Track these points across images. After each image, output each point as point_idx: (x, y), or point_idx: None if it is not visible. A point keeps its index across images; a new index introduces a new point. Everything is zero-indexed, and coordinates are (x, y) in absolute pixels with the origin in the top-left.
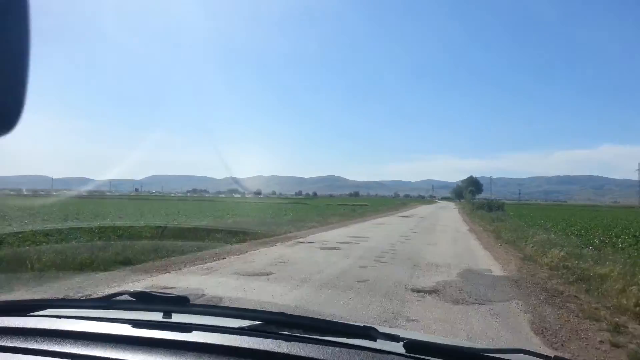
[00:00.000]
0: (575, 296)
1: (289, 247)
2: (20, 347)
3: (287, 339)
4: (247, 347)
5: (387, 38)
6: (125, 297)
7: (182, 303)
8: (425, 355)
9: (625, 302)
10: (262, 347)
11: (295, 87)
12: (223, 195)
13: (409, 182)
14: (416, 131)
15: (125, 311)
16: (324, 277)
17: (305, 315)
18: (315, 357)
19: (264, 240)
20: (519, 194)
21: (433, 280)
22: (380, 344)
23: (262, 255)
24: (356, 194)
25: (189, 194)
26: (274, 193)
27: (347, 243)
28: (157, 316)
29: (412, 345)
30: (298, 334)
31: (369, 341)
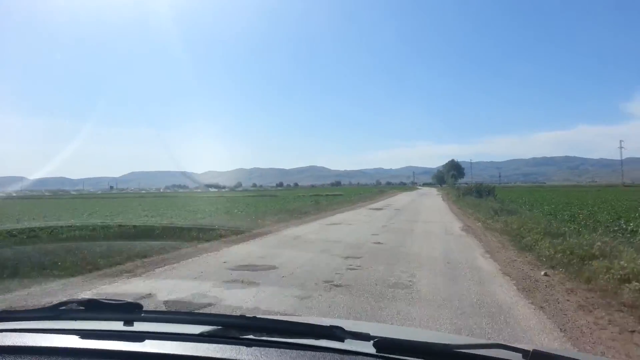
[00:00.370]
0: None
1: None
2: None
3: (249, 343)
4: (205, 355)
5: (361, 21)
6: (74, 305)
7: (134, 310)
8: (398, 355)
9: None
10: (220, 355)
11: (273, 76)
12: (182, 191)
13: (390, 169)
14: (395, 117)
15: (74, 321)
16: None
17: (266, 317)
18: None
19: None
20: (499, 177)
21: None
22: (348, 344)
23: None
24: (338, 184)
25: (166, 190)
26: (254, 185)
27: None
28: (108, 325)
29: (383, 344)
30: (259, 338)
31: (336, 342)
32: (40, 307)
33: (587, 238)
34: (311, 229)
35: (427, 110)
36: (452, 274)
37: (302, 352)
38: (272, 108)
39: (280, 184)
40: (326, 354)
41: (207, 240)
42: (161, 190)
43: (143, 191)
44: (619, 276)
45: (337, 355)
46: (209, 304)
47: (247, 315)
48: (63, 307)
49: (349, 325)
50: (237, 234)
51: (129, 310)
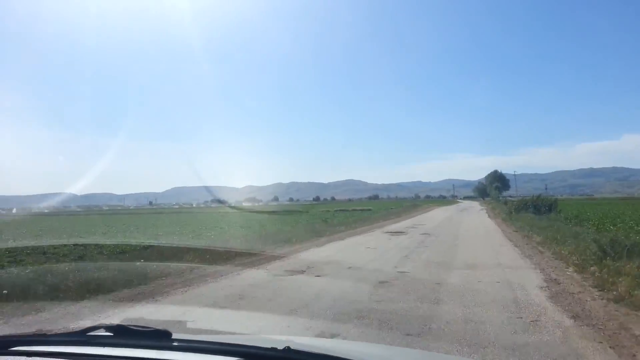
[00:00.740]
0: None
1: None
2: None
3: None
4: None
5: (399, 34)
6: (102, 331)
7: (163, 337)
8: None
9: None
10: None
11: (312, 91)
12: (204, 206)
13: (429, 182)
14: (433, 129)
15: (102, 347)
16: None
17: (300, 349)
18: None
19: None
20: (546, 189)
21: None
22: None
23: None
24: (375, 197)
25: (199, 205)
26: (290, 200)
27: None
28: (137, 352)
29: None
30: None
31: None
32: (69, 331)
33: None
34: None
35: (466, 121)
36: None
37: None
38: (310, 123)
39: (317, 198)
40: None
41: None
42: (193, 205)
43: (176, 206)
44: None
45: None
46: None
47: (279, 346)
48: (91, 333)
49: (389, 356)
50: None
51: (158, 338)
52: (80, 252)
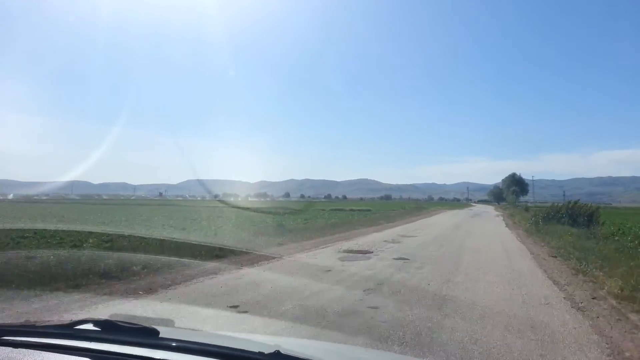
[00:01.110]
0: None
1: None
2: None
3: None
4: None
5: (415, 36)
6: (90, 325)
7: (150, 335)
8: None
9: None
10: None
11: (327, 89)
12: (210, 199)
13: (444, 184)
14: (449, 132)
15: (89, 342)
16: None
17: (290, 354)
18: None
19: None
20: (564, 196)
21: None
22: None
23: None
24: (388, 197)
25: (215, 198)
26: (302, 196)
27: None
28: (124, 349)
29: None
30: None
31: None
32: (57, 323)
33: None
34: None
35: (482, 125)
36: None
37: None
38: (325, 121)
39: (329, 196)
40: None
41: None
42: (198, 198)
43: (179, 198)
44: None
45: None
46: None
47: (268, 352)
48: (79, 327)
49: None
50: None
51: (145, 335)
52: None
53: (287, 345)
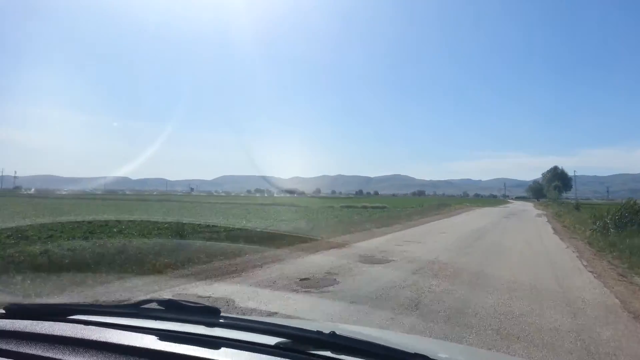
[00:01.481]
0: None
1: None
2: (42, 356)
3: None
4: None
5: (450, 29)
6: (154, 305)
7: (212, 314)
8: None
9: None
10: None
11: (361, 84)
12: (258, 195)
13: (480, 180)
14: (485, 127)
15: (153, 320)
16: None
17: (345, 334)
18: None
19: None
20: (608, 192)
21: None
22: None
23: None
24: (421, 193)
25: (238, 194)
26: (333, 192)
27: None
28: (186, 327)
29: None
30: (336, 357)
31: None
32: (123, 303)
33: None
34: None
35: (520, 119)
36: None
37: None
38: (358, 116)
39: (360, 192)
40: None
41: None
42: (232, 194)
43: (205, 194)
44: None
45: None
46: None
47: (325, 330)
48: (144, 306)
49: (433, 349)
50: None
51: (207, 314)
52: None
53: (343, 328)
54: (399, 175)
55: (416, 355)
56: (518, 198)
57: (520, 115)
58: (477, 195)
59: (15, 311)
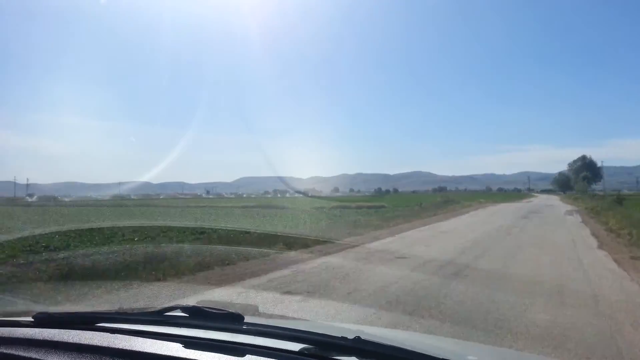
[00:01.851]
0: None
1: None
2: None
3: None
4: None
5: (471, 19)
6: (178, 311)
7: (236, 321)
8: None
9: None
10: None
11: (378, 81)
12: (270, 196)
13: (503, 175)
14: (508, 119)
15: (178, 327)
16: None
17: (370, 339)
18: None
19: None
20: (637, 182)
21: None
22: None
23: None
24: (442, 189)
25: (269, 195)
26: (351, 190)
27: None
28: (210, 334)
29: None
30: None
31: None
32: (148, 310)
33: None
34: None
35: (544, 110)
36: None
37: None
38: (377, 113)
39: (379, 190)
40: None
41: None
42: (247, 196)
43: (226, 196)
44: None
45: None
46: None
47: (350, 336)
48: (168, 313)
49: (461, 351)
50: None
51: (230, 320)
52: None
53: (367, 332)
54: (420, 171)
55: None
56: (543, 191)
57: (544, 106)
58: (500, 190)
59: (42, 320)
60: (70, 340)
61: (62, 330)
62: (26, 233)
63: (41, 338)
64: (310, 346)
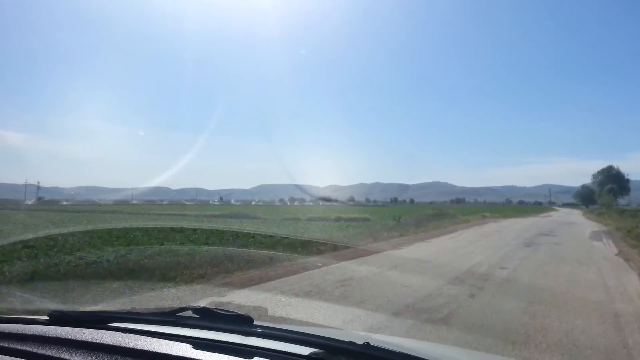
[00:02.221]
0: None
1: None
2: None
3: None
4: None
5: (493, 30)
6: (189, 312)
7: (245, 323)
8: None
9: None
10: None
11: (398, 91)
12: (282, 203)
13: (524, 187)
14: (529, 131)
15: (188, 328)
16: None
17: (379, 345)
18: None
19: None
20: None
21: None
22: None
23: None
24: (460, 201)
25: (285, 203)
26: (367, 200)
27: None
28: (220, 336)
29: None
30: None
31: None
32: (159, 311)
33: None
34: None
35: (566, 121)
36: None
37: None
38: (395, 123)
39: (395, 200)
40: None
41: None
42: (254, 203)
43: (237, 203)
44: None
45: None
46: None
47: (358, 341)
48: (179, 314)
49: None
50: None
51: (240, 323)
52: None
53: (376, 338)
54: (439, 182)
55: None
56: (565, 205)
57: (566, 118)
58: (520, 202)
59: (57, 318)
60: (84, 339)
61: (76, 329)
62: None
63: (55, 336)
64: (319, 350)
